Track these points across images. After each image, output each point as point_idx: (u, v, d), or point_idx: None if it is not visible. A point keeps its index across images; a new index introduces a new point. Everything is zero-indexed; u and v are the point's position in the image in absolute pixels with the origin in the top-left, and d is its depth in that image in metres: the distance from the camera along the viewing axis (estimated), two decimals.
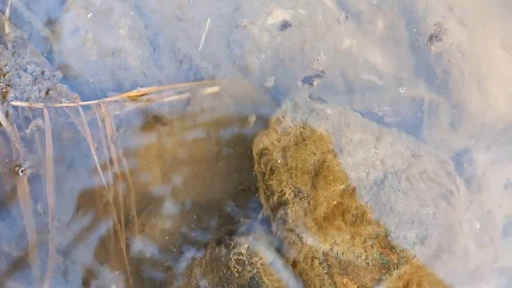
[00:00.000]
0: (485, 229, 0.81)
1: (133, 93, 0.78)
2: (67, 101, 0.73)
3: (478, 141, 0.88)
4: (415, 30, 0.93)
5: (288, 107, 0.75)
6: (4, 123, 0.72)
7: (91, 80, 0.91)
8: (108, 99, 0.78)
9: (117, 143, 0.74)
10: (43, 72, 0.76)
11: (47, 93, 0.75)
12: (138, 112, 0.80)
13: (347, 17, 0.97)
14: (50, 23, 0.87)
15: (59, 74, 0.78)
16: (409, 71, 0.93)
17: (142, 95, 0.79)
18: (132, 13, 0.92)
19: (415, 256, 0.66)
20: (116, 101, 0.78)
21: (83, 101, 0.77)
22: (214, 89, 0.86)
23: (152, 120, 0.84)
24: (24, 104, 0.74)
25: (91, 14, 0.90)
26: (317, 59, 0.93)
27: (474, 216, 0.79)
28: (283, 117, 0.72)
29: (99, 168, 0.73)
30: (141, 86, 0.80)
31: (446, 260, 0.65)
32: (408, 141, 0.76)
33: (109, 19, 0.91)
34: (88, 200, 0.80)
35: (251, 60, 0.90)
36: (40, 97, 0.75)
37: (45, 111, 0.73)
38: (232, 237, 0.72)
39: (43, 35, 0.83)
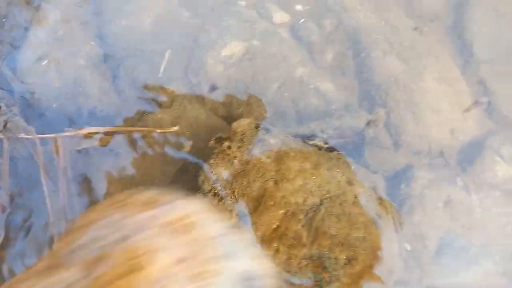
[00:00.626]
0: (415, 250, 0.88)
1: (85, 130, 0.84)
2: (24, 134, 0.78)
3: (419, 159, 0.96)
4: (359, 61, 1.03)
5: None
6: None
7: (53, 106, 0.96)
8: (64, 134, 0.84)
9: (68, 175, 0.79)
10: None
11: (4, 126, 0.79)
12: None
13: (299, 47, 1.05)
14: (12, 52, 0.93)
15: (16, 110, 0.83)
16: (355, 99, 1.02)
17: (95, 133, 0.85)
18: (93, 43, 0.98)
19: (344, 275, 0.73)
20: (71, 136, 0.84)
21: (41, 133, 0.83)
22: (174, 128, 0.91)
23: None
24: None
25: (53, 43, 0.96)
26: (270, 87, 1.01)
27: (405, 238, 0.86)
28: (229, 148, 0.78)
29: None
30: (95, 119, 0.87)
31: (370, 278, 0.72)
32: (345, 167, 0.83)
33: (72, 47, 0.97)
34: None
35: (205, 88, 0.97)
36: None
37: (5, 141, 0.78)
38: None
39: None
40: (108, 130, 0.85)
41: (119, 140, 0.90)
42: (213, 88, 0.96)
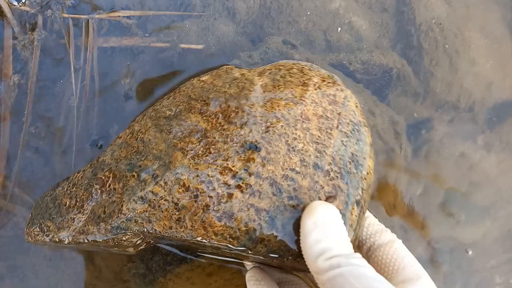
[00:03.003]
0: (423, 197, 0.88)
1: (116, 13, 0.84)
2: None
3: (442, 114, 0.93)
4: None
5: (261, 48, 0.80)
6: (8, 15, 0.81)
7: None
8: (97, 16, 0.85)
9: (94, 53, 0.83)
10: None
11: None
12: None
13: None
14: None
15: None
16: (390, 38, 0.97)
17: (127, 16, 0.85)
18: None
19: None
20: (102, 18, 0.85)
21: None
22: (199, 46, 0.91)
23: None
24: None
25: None
26: (304, 16, 0.97)
27: (415, 182, 0.86)
28: (251, 58, 0.78)
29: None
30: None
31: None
32: (368, 97, 0.82)
33: None
34: None
35: (239, 4, 0.95)
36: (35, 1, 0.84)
37: (40, 17, 0.81)
38: None
39: None
40: (141, 14, 0.85)
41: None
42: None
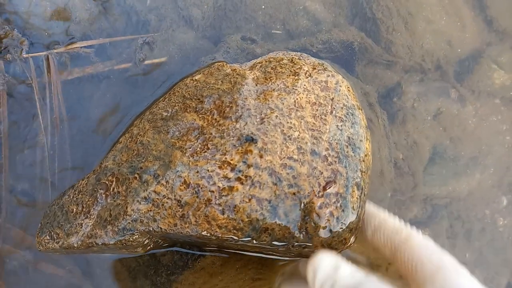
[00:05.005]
0: (408, 159, 0.89)
1: (74, 45, 0.86)
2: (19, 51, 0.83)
3: (411, 75, 0.95)
4: None
5: (222, 49, 0.82)
6: None
7: (46, 33, 0.99)
8: (55, 51, 0.87)
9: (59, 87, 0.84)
10: None
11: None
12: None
13: None
14: None
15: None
16: (345, 15, 1.00)
17: (85, 46, 0.87)
18: None
19: None
20: (61, 52, 0.86)
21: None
22: (162, 59, 0.92)
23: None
24: None
25: None
26: (259, 10, 0.99)
27: (398, 146, 0.87)
28: (212, 60, 0.79)
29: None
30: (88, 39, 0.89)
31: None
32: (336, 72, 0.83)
33: None
34: None
35: (194, 11, 0.97)
36: None
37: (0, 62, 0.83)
38: None
39: None
40: (99, 42, 0.87)
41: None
42: None
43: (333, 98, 0.70)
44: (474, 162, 0.92)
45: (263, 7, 0.97)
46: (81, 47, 0.89)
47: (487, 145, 0.92)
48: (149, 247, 0.74)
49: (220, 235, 0.63)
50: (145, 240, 0.70)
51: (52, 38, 0.92)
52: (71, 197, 0.73)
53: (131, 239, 0.67)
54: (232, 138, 0.67)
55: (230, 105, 0.70)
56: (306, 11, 0.97)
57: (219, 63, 0.79)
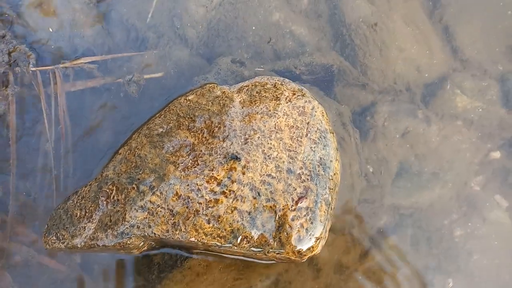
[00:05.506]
0: (378, 173, 1.00)
1: (79, 61, 0.95)
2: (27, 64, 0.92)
3: (384, 95, 1.05)
4: (333, 4, 1.09)
5: (213, 70, 0.91)
6: None
7: (52, 47, 1.07)
8: (61, 65, 0.96)
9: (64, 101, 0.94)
10: (4, 36, 0.95)
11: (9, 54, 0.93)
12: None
13: None
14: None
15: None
16: (327, 42, 1.10)
17: (88, 62, 0.97)
18: None
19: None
20: (67, 67, 0.96)
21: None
22: (159, 74, 1.01)
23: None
24: None
25: None
26: (250, 31, 1.08)
27: (368, 161, 0.97)
28: (205, 80, 0.89)
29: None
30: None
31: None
32: (315, 93, 0.93)
33: None
34: None
35: (188, 31, 1.06)
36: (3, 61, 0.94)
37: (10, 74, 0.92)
38: None
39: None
40: (102, 58, 0.96)
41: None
42: None
43: (308, 122, 0.80)
44: (436, 177, 1.02)
45: (253, 28, 1.06)
46: (85, 63, 0.97)
47: (448, 162, 1.03)
48: (143, 249, 0.84)
49: (206, 241, 0.73)
50: (141, 243, 0.79)
51: (58, 52, 1.01)
52: (75, 202, 0.82)
53: (128, 242, 0.77)
54: (219, 156, 0.77)
55: (219, 125, 0.80)
56: (292, 34, 1.07)
57: (210, 85, 0.89)
